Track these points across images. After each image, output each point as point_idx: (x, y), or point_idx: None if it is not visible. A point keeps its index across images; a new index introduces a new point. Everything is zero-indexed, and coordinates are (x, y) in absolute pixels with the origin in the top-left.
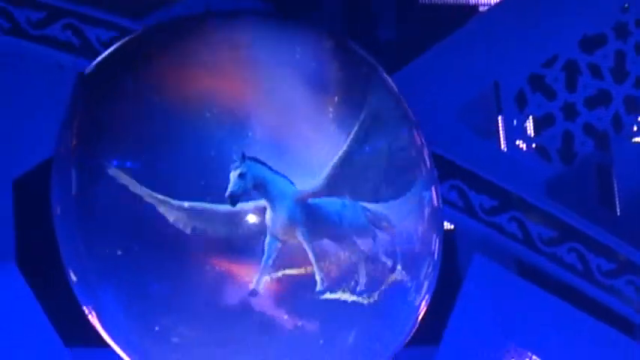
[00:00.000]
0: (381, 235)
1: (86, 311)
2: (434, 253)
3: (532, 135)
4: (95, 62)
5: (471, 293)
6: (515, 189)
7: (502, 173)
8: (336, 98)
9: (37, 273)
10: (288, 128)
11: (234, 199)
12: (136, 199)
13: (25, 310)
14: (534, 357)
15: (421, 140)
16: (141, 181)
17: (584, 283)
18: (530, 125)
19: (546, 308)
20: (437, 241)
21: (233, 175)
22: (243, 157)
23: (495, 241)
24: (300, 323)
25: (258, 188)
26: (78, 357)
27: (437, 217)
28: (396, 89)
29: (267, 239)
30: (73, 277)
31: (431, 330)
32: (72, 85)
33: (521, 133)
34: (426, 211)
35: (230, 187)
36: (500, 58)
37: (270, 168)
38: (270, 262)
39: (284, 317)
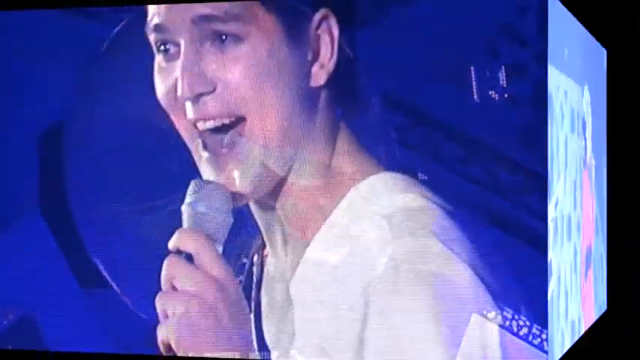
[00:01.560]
0: None
1: None
2: None
3: (504, 85)
4: None
5: None
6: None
7: (474, 124)
8: None
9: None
10: None
11: None
12: None
13: (45, 253)
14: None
15: None
16: None
17: None
18: (502, 75)
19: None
20: None
21: None
22: None
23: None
24: None
25: None
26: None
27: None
28: None
29: None
30: None
31: None
32: None
33: (494, 84)
34: None
35: None
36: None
37: None
38: None
39: None
